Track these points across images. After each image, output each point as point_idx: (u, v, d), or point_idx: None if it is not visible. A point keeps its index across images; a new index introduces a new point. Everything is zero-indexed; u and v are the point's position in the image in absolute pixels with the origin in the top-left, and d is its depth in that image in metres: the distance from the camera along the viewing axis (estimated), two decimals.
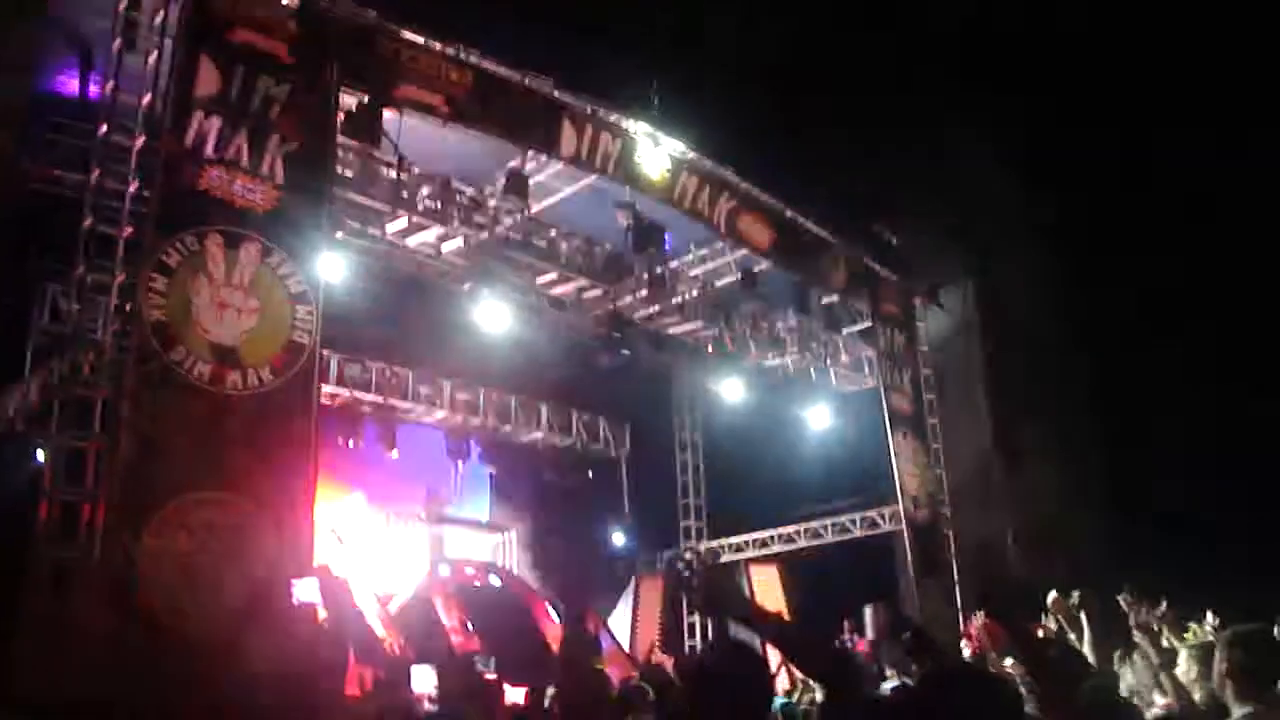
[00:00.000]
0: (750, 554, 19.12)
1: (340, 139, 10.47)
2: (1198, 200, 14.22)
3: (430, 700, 9.05)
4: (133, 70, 9.30)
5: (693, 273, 15.59)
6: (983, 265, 16.78)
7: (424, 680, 10.12)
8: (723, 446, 18.92)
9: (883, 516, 16.82)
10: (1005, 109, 15.31)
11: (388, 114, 10.76)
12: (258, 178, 9.09)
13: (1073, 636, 5.59)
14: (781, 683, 10.02)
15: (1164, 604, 5.39)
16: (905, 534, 15.60)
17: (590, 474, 19.34)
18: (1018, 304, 16.19)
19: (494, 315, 13.18)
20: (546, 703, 7.37)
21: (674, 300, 15.29)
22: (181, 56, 8.99)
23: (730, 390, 15.86)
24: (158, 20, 9.35)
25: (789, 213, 14.83)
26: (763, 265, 14.96)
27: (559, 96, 12.05)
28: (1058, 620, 5.84)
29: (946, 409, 17.00)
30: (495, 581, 16.25)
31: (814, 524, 18.23)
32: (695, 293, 15.51)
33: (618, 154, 12.60)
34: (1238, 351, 13.82)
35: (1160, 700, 4.81)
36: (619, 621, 17.69)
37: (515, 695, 8.77)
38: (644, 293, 14.59)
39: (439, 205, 12.65)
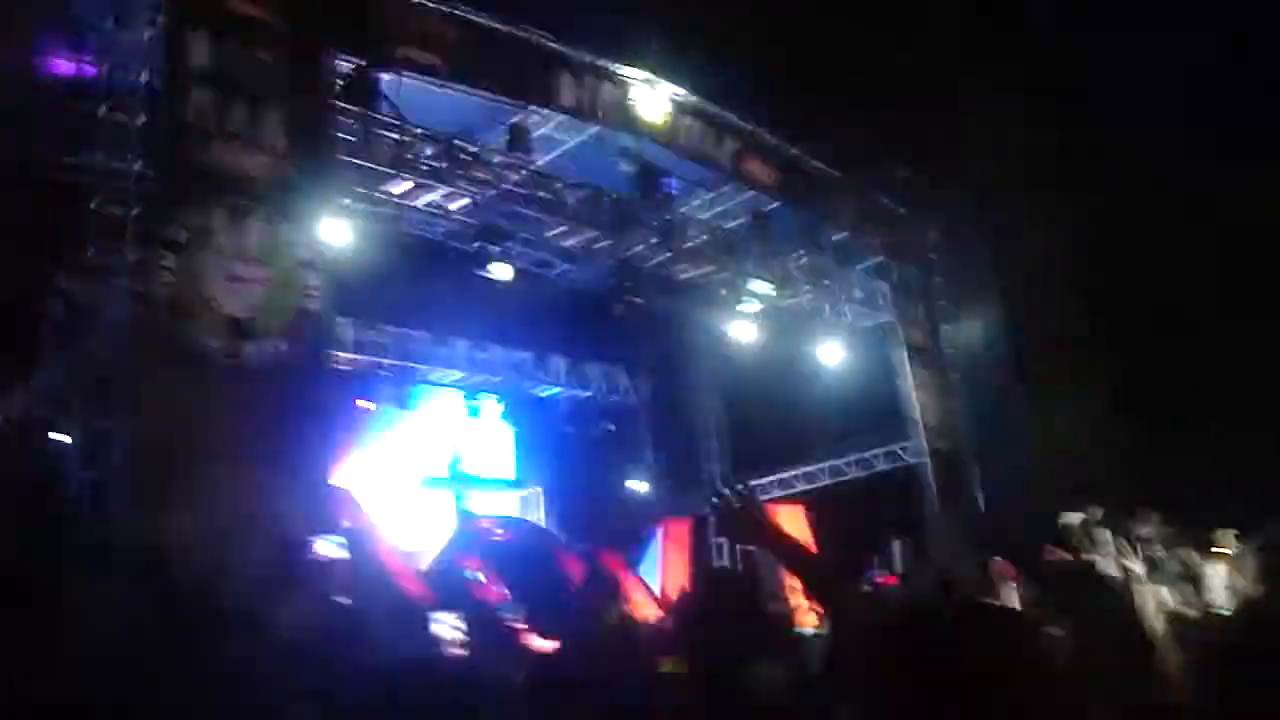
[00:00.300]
0: (775, 494, 19.22)
1: (339, 104, 10.44)
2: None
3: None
4: (126, 46, 9.29)
5: (701, 217, 15.52)
6: (989, 200, 16.59)
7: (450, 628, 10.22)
8: (741, 389, 18.91)
9: (904, 450, 16.87)
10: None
11: (386, 76, 10.72)
12: (259, 148, 9.11)
13: (1092, 558, 5.64)
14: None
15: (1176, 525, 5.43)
16: (928, 465, 15.70)
17: (611, 425, 19.47)
18: (1031, 238, 16.02)
19: (505, 272, 13.18)
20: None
21: (684, 245, 15.23)
22: (174, 30, 8.97)
23: (744, 332, 15.84)
24: None
25: (794, 150, 14.73)
26: (772, 205, 14.87)
27: (558, 48, 11.96)
28: (1078, 541, 5.89)
29: (960, 337, 16.99)
30: (521, 535, 16.38)
31: (836, 461, 18.32)
32: (705, 237, 15.44)
33: (618, 102, 12.53)
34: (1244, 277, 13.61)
35: (1189, 611, 4.87)
36: (647, 568, 17.83)
37: (545, 646, 8.88)
38: (654, 240, 14.55)
39: (444, 165, 12.61)
